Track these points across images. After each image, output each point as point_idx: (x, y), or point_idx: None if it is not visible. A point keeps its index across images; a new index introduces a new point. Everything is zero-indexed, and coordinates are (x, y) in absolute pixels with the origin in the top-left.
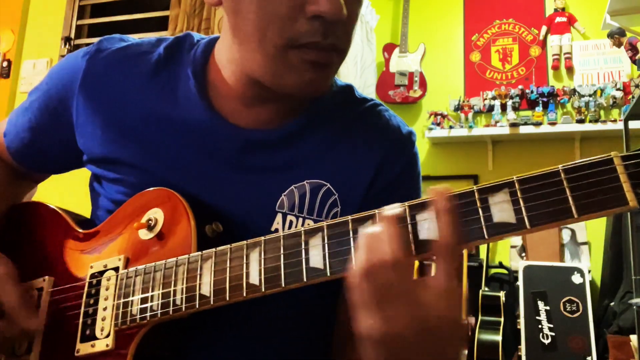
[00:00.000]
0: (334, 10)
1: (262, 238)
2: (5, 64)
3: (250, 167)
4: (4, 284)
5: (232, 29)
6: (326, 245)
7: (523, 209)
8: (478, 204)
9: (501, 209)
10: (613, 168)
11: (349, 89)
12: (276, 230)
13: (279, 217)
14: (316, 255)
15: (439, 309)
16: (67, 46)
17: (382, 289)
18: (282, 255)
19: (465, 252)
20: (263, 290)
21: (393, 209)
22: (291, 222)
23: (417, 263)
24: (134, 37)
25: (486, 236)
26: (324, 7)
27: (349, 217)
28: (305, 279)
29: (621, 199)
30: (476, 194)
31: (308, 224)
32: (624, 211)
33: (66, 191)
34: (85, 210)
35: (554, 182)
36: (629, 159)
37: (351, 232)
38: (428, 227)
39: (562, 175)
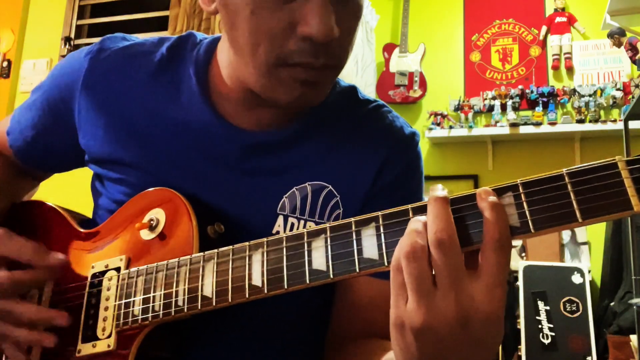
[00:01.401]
0: (325, 33)
1: (265, 239)
2: (5, 64)
3: (251, 169)
4: (5, 239)
5: (228, 39)
6: (329, 247)
7: (527, 212)
8: None
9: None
10: (617, 172)
11: (352, 90)
12: (277, 233)
13: (280, 220)
14: (319, 257)
15: (488, 304)
16: (67, 46)
17: (425, 271)
18: (284, 257)
19: None
20: (266, 291)
21: (439, 191)
22: (292, 224)
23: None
24: (136, 37)
25: None
26: (314, 30)
27: (352, 219)
28: (307, 281)
29: (626, 203)
30: None
31: (309, 226)
32: (628, 215)
33: (67, 190)
34: (87, 210)
35: (558, 186)
36: (633, 163)
37: (354, 234)
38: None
39: (567, 179)
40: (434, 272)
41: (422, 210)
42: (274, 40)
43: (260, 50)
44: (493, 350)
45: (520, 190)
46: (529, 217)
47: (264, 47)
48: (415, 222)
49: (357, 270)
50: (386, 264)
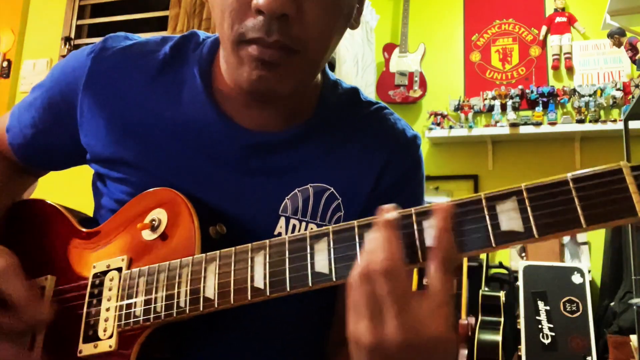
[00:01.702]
0: (271, 5)
1: (267, 242)
2: (5, 64)
3: (254, 170)
4: (9, 276)
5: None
6: (332, 250)
7: (531, 217)
8: (486, 212)
9: (509, 217)
10: (622, 178)
11: (354, 91)
12: (279, 234)
13: (282, 221)
14: (321, 260)
15: (433, 325)
16: (67, 46)
17: (375, 294)
18: (287, 259)
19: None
20: (268, 294)
21: (389, 214)
22: (294, 226)
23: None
24: (139, 36)
25: (493, 244)
26: (261, 0)
27: (355, 222)
28: (310, 284)
29: (630, 209)
30: (484, 201)
31: (311, 228)
32: (632, 222)
33: (68, 189)
34: (87, 209)
35: (563, 191)
36: (638, 169)
37: (357, 237)
38: (429, 235)
39: (571, 184)
40: (382, 293)
41: (426, 214)
42: (234, 15)
43: (224, 28)
44: None
45: (524, 195)
46: (532, 223)
47: (227, 23)
48: (370, 242)
49: None
50: None
